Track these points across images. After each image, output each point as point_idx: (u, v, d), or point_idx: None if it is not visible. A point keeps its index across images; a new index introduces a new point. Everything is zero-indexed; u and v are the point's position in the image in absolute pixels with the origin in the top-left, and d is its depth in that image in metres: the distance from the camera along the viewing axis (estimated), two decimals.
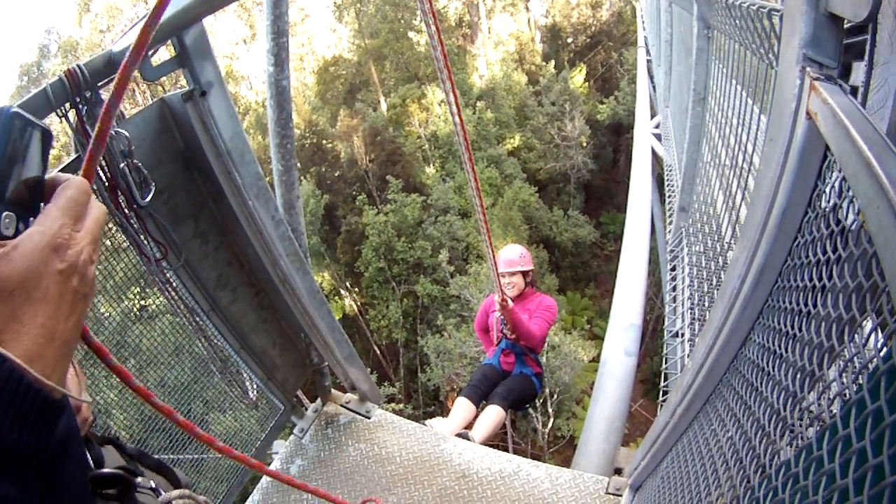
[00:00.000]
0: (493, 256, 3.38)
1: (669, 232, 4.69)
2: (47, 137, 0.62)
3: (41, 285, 0.54)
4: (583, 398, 16.82)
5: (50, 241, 0.55)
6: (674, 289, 4.11)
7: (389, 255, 20.23)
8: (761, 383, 1.23)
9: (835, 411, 0.87)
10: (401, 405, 17.73)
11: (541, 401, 15.64)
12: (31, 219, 0.58)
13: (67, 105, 1.56)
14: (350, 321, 21.47)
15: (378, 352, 21.18)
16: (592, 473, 2.98)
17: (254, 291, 2.89)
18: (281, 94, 2.53)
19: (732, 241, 3.12)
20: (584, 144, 24.88)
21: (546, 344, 15.43)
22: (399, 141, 23.73)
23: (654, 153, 7.87)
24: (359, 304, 22.12)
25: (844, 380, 0.89)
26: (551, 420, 16.10)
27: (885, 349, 0.71)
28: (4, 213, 0.55)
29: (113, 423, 3.09)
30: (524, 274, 4.24)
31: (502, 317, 4.03)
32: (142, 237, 2.02)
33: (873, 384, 0.68)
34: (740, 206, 2.96)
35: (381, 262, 20.16)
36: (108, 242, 2.24)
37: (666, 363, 3.53)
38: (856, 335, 0.86)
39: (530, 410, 15.52)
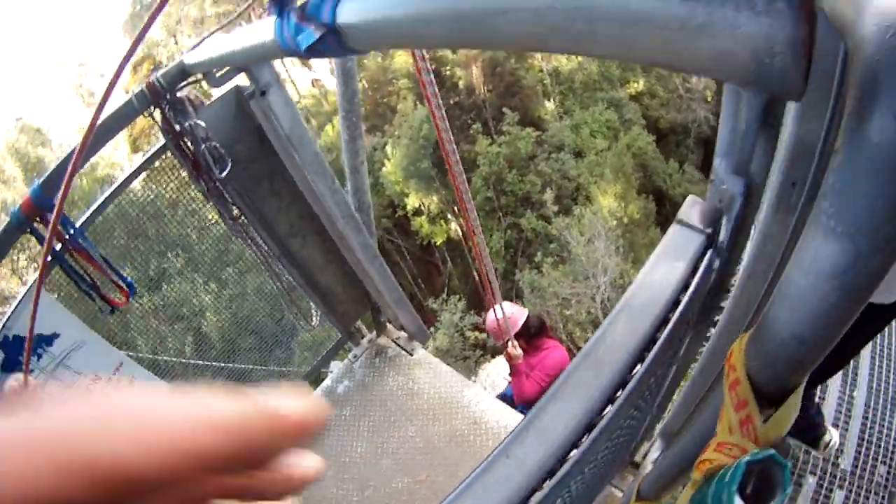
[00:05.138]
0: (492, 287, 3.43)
1: None
2: None
3: None
4: None
5: None
6: None
7: (499, 185, 20.41)
8: None
9: None
10: None
11: None
12: None
13: (151, 108, 2.07)
14: (454, 245, 22.35)
15: (478, 278, 22.01)
16: None
17: (321, 239, 3.43)
18: (346, 73, 2.88)
19: None
20: (709, 99, 22.65)
21: None
22: (519, 73, 23.01)
23: None
24: (464, 229, 22.85)
25: None
26: None
27: None
28: None
29: (205, 322, 3.85)
30: (521, 332, 3.97)
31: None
32: (221, 202, 2.57)
33: None
34: None
35: (490, 192, 20.44)
36: None
37: None
38: None
39: None
